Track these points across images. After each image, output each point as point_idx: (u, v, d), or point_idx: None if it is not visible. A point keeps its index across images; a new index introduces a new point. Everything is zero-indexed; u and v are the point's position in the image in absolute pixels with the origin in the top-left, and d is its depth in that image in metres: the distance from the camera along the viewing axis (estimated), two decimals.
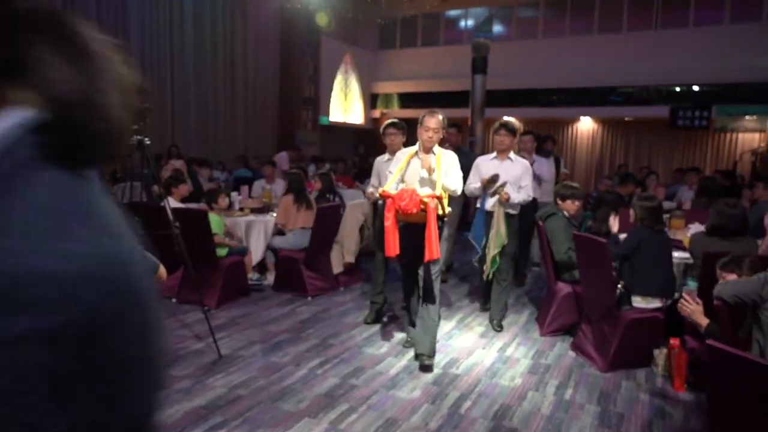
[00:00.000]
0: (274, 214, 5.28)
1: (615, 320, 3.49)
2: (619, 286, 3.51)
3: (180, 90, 10.38)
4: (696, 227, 4.32)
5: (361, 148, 16.01)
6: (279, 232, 5.12)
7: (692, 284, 3.55)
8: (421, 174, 3.48)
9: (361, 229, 5.31)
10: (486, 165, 4.32)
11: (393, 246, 3.24)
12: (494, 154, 4.34)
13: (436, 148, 3.52)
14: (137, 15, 9.33)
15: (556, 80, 13.19)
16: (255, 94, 12.62)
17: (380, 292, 4.25)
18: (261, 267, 5.21)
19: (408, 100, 15.73)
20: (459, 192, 3.59)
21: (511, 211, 4.16)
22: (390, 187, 3.44)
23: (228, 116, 11.73)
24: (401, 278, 3.86)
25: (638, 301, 3.48)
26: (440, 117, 3.51)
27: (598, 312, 3.64)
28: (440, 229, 3.41)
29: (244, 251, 4.83)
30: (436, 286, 3.48)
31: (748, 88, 11.64)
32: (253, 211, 5.42)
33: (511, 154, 4.27)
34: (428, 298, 3.46)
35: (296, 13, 12.81)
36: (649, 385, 3.34)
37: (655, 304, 3.48)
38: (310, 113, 14.01)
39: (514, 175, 4.14)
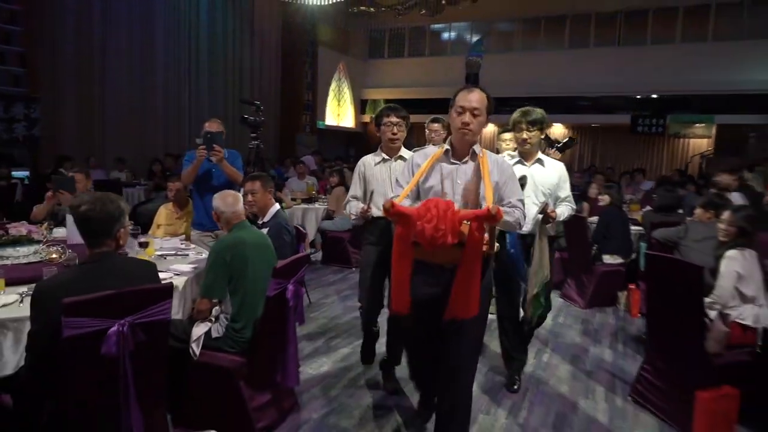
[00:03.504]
0: (318, 204, 6.60)
1: (591, 273, 4.92)
2: (593, 248, 4.95)
3: (196, 97, 11.43)
4: (647, 209, 5.82)
5: (352, 150, 17.29)
6: (327, 217, 6.41)
7: (643, 246, 4.98)
8: (457, 183, 2.19)
9: None
10: None
11: (402, 296, 2.06)
12: (515, 156, 3.08)
13: (478, 148, 2.22)
14: (162, 43, 10.38)
15: (530, 89, 14.64)
16: (260, 101, 13.74)
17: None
18: (311, 245, 6.48)
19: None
20: (524, 225, 2.29)
21: (551, 232, 3.01)
22: (403, 200, 2.14)
23: (236, 121, 12.81)
24: (407, 349, 2.69)
25: (607, 259, 4.94)
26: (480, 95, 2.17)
27: (579, 268, 5.06)
28: (483, 274, 2.08)
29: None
30: (470, 372, 2.27)
31: (697, 99, 13.43)
32: (304, 201, 6.70)
33: (541, 155, 3.06)
34: (457, 391, 2.22)
35: (296, 26, 14.05)
36: (615, 314, 4.81)
37: (619, 260, 4.95)
38: (309, 118, 15.23)
39: (549, 183, 3.00)
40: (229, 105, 12.19)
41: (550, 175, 3.02)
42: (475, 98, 2.13)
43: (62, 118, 8.79)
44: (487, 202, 1.99)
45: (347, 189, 6.84)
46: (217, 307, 2.56)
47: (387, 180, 3.00)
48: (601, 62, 13.95)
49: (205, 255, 3.37)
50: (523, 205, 2.22)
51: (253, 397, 2.52)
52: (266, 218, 3.29)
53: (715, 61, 12.74)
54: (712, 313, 2.81)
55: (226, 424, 2.46)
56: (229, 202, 2.69)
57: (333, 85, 16.42)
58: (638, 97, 14.19)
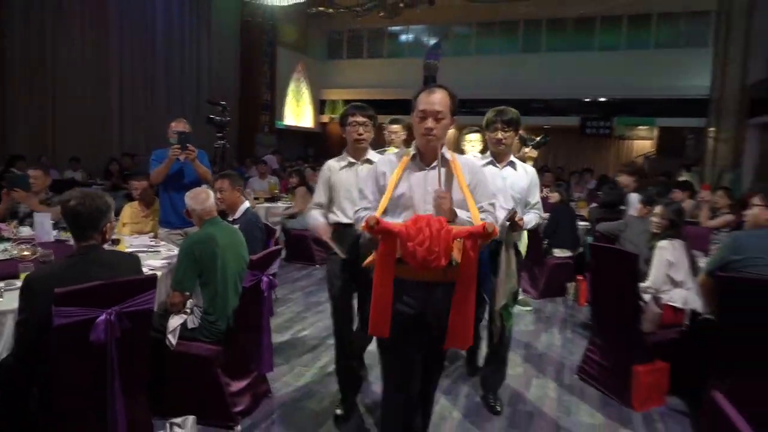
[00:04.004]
0: (281, 203, 6.73)
1: (542, 266, 5.26)
2: (544, 243, 5.29)
3: (153, 96, 11.27)
4: (593, 206, 6.22)
5: (311, 150, 17.35)
6: (290, 216, 6.53)
7: (589, 239, 5.35)
8: (427, 190, 2.02)
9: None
10: None
11: (383, 319, 1.90)
12: (485, 158, 2.91)
13: (448, 152, 2.08)
14: (117, 39, 10.20)
15: (485, 92, 15.06)
16: (218, 100, 13.62)
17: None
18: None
19: None
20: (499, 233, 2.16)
21: (517, 240, 2.85)
22: (382, 212, 1.98)
23: (193, 121, 12.67)
24: (385, 372, 2.18)
25: (557, 252, 5.29)
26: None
27: (532, 262, 5.38)
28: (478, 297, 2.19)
29: None
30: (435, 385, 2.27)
31: (641, 103, 14.21)
32: (266, 200, 6.80)
33: (513, 158, 2.90)
34: (428, 406, 2.27)
35: (255, 25, 14.02)
36: (565, 303, 5.17)
37: (568, 254, 5.31)
38: (268, 118, 15.21)
39: (519, 187, 2.84)
40: (187, 104, 12.05)
41: (521, 179, 2.85)
42: (437, 100, 1.99)
43: (12, 115, 8.52)
44: (473, 217, 1.93)
45: (309, 188, 7.08)
46: (191, 300, 2.68)
47: (353, 185, 2.67)
48: (553, 66, 14.55)
49: (176, 251, 3.48)
50: (494, 208, 2.13)
51: (229, 383, 2.66)
52: (236, 215, 3.42)
53: (657, 67, 13.52)
54: (647, 297, 3.13)
55: (205, 410, 2.59)
56: (201, 199, 2.81)
57: (292, 85, 16.45)
58: (587, 100, 14.88)
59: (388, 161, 2.13)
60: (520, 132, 3.01)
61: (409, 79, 13.73)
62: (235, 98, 14.06)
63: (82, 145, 9.48)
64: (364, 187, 2.17)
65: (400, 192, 2.03)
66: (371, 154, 2.81)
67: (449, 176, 2.03)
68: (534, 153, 3.94)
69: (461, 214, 1.95)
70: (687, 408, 3.04)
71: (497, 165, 2.87)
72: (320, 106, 17.84)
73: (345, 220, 2.69)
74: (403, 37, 17.54)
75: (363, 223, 1.82)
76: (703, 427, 2.71)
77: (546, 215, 5.52)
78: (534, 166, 3.22)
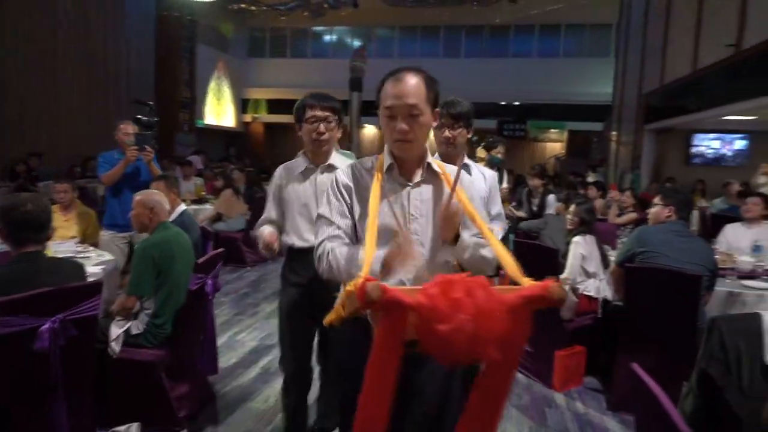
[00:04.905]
0: (208, 205, 6.60)
1: None
2: None
3: (60, 96, 10.57)
4: (513, 204, 6.64)
5: (233, 149, 16.97)
6: (216, 218, 6.42)
7: (511, 236, 5.72)
8: (411, 215, 1.53)
9: None
10: None
11: (378, 418, 1.24)
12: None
13: (434, 162, 1.59)
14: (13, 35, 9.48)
15: None
16: (131, 97, 13.00)
17: None
18: None
19: (277, 106, 17.04)
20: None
21: None
22: (376, 266, 1.34)
23: (104, 118, 12.02)
24: None
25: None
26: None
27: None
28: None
29: None
30: None
31: (552, 108, 15.19)
32: (193, 202, 6.63)
33: (468, 160, 2.35)
34: None
35: (173, 21, 13.52)
36: None
37: None
38: (187, 116, 14.70)
39: (477, 194, 1.93)
40: (102, 103, 11.43)
41: (479, 185, 2.24)
42: (408, 90, 1.44)
43: None
44: (491, 242, 1.39)
45: (235, 191, 6.99)
46: (137, 304, 2.64)
47: (312, 198, 2.19)
48: (472, 71, 15.18)
49: (108, 257, 3.38)
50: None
51: (173, 388, 2.65)
52: (172, 218, 3.37)
53: (565, 74, 14.52)
54: (566, 287, 3.46)
55: (150, 416, 2.56)
56: (154, 201, 2.78)
57: (213, 84, 16.01)
58: (503, 103, 15.67)
59: (351, 171, 1.57)
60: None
61: (333, 79, 13.76)
62: (152, 96, 13.46)
63: None
64: (326, 207, 1.54)
65: (380, 220, 1.43)
66: (335, 158, 2.25)
67: (440, 193, 1.52)
68: (483, 154, 3.63)
69: (466, 236, 1.49)
70: (601, 386, 3.40)
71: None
72: (242, 105, 17.48)
73: (301, 244, 2.17)
74: (327, 38, 17.60)
75: (354, 289, 1.14)
76: (617, 398, 3.07)
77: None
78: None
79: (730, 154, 11.22)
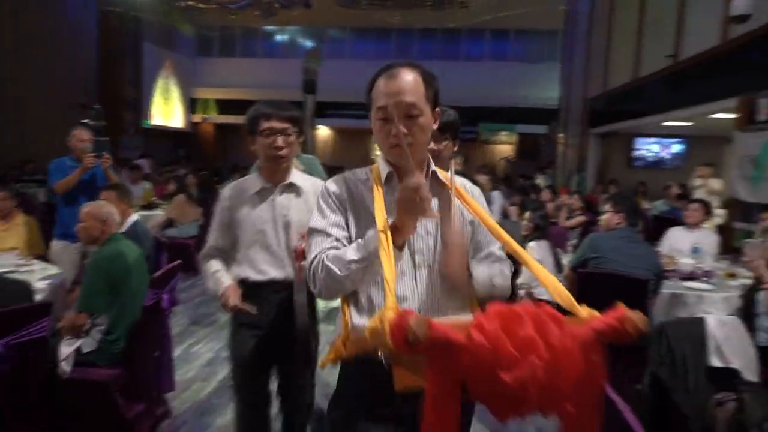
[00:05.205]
0: (159, 211, 6.39)
1: None
2: None
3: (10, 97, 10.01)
4: None
5: (182, 151, 16.49)
6: (167, 224, 6.22)
7: None
8: (420, 235, 1.31)
9: None
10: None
11: None
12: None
13: (438, 170, 1.39)
14: None
15: (361, 95, 15.44)
16: (72, 97, 12.43)
17: None
18: None
19: (228, 106, 16.66)
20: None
21: None
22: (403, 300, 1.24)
23: (44, 119, 11.45)
24: None
25: None
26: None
27: None
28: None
29: None
30: None
31: (502, 111, 15.56)
32: (143, 208, 6.39)
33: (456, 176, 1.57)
34: None
35: (116, 17, 12.98)
36: None
37: None
38: (133, 117, 14.17)
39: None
40: (41, 104, 10.87)
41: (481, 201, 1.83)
42: (404, 87, 1.26)
43: None
44: (545, 284, 1.15)
45: (188, 196, 6.78)
46: (88, 320, 2.53)
47: (270, 224, 1.89)
48: None
49: (53, 270, 3.22)
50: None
51: (129, 407, 2.54)
52: (123, 229, 3.25)
53: (515, 78, 14.90)
54: (521, 292, 3.55)
55: None
56: (105, 213, 2.66)
57: (160, 83, 15.49)
58: (455, 106, 15.81)
59: (344, 182, 1.36)
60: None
61: (285, 80, 13.66)
62: (96, 96, 12.91)
63: None
64: (319, 219, 1.31)
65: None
66: (297, 176, 1.98)
67: (448, 206, 1.29)
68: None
69: (480, 271, 1.31)
70: None
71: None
72: (191, 105, 17.00)
73: (257, 278, 1.88)
74: (279, 37, 17.35)
75: (385, 324, 0.94)
76: None
77: None
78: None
79: (668, 157, 11.83)
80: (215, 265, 1.97)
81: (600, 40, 10.64)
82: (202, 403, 3.13)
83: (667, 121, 8.22)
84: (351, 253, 1.21)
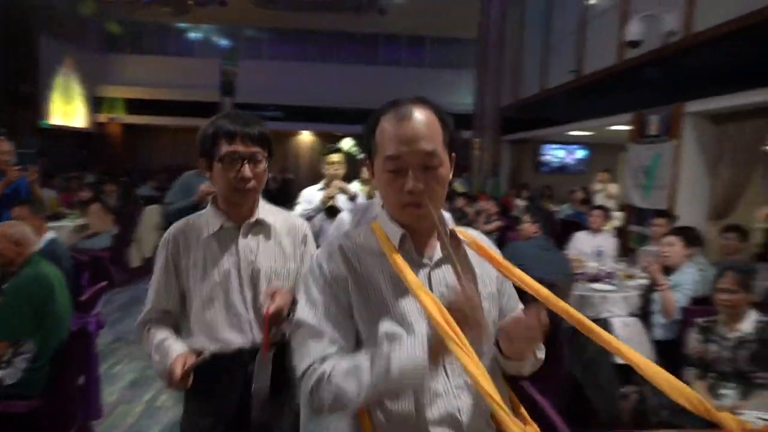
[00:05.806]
0: (67, 221, 6.01)
1: None
2: None
3: None
4: None
5: (85, 152, 15.45)
6: (85, 236, 5.86)
7: None
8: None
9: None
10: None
11: None
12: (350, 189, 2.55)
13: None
14: None
15: (278, 97, 15.00)
16: None
17: None
18: None
19: (137, 106, 15.83)
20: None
21: None
22: (418, 354, 0.91)
23: None
24: None
25: None
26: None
27: None
28: None
29: None
30: None
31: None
32: (49, 218, 5.94)
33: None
34: None
35: (8, 6, 11.93)
36: None
37: None
38: (29, 116, 13.08)
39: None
40: None
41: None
42: (420, 131, 1.05)
43: None
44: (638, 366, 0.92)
45: (103, 204, 6.40)
46: (9, 350, 2.38)
47: (234, 275, 1.49)
48: (343, 77, 15.45)
49: None
50: None
51: None
52: (38, 247, 3.07)
53: (431, 83, 15.36)
54: None
55: None
56: (20, 233, 2.51)
57: (59, 80, 14.40)
58: (373, 108, 16.13)
59: (340, 253, 1.07)
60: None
61: (199, 79, 13.25)
62: None
63: None
64: (307, 309, 1.05)
65: (400, 323, 0.99)
66: (265, 211, 1.57)
67: (467, 267, 1.08)
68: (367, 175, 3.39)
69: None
70: None
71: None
72: (96, 104, 15.95)
73: (217, 349, 1.44)
74: (193, 35, 16.71)
75: None
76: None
77: None
78: None
79: (573, 162, 12.74)
80: (160, 334, 1.45)
81: (511, 51, 11.27)
82: (130, 427, 3.02)
83: (571, 130, 8.88)
84: (369, 374, 0.92)
